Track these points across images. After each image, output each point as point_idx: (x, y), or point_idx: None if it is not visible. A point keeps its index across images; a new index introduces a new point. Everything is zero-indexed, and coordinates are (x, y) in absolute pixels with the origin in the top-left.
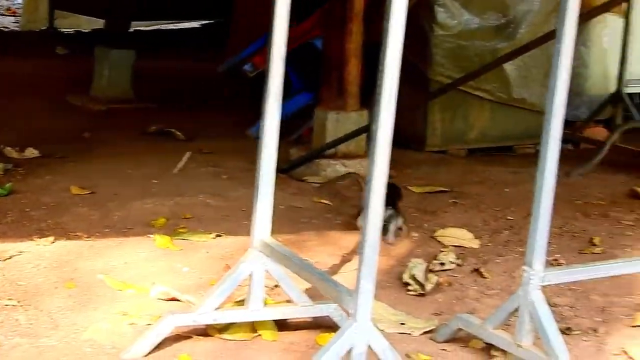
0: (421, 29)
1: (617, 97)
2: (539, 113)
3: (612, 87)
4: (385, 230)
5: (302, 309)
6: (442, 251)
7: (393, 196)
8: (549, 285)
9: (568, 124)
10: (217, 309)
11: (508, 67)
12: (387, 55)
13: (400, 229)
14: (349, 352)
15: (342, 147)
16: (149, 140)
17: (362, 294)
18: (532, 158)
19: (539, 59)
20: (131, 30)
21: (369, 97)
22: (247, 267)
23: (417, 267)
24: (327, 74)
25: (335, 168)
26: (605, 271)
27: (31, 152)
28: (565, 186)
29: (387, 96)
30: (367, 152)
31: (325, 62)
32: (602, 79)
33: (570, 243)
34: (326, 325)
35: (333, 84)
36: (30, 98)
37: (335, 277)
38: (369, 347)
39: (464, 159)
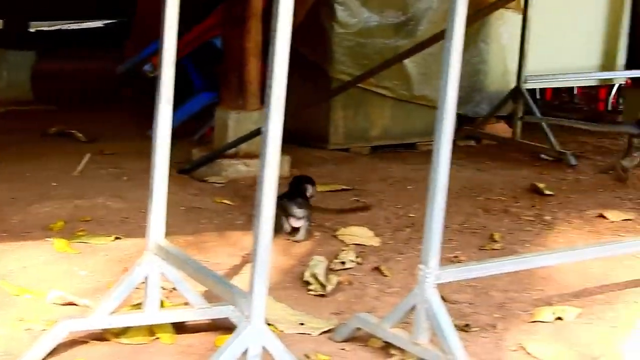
0: (321, 27)
1: (516, 93)
2: None
3: (512, 83)
4: (292, 227)
5: (200, 312)
6: (343, 250)
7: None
8: (448, 282)
9: (469, 120)
10: (112, 313)
11: (409, 64)
12: (276, 54)
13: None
14: (245, 353)
15: (244, 147)
16: (49, 142)
17: (256, 297)
18: None
19: (439, 56)
20: (32, 30)
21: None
22: (142, 270)
23: (318, 266)
24: (226, 73)
25: (237, 168)
26: (498, 268)
27: None
28: (467, 182)
29: (277, 95)
30: None
31: (225, 62)
32: (502, 75)
33: (471, 239)
34: (225, 327)
35: (233, 84)
36: None
37: (235, 278)
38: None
39: (367, 157)
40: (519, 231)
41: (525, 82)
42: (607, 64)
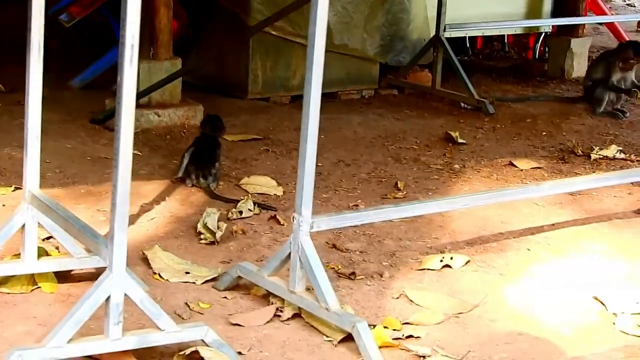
0: None
1: (436, 42)
2: (361, 59)
3: (434, 32)
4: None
5: (78, 261)
6: (241, 199)
7: (218, 128)
8: (343, 231)
9: (392, 69)
10: None
11: (328, 13)
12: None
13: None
14: (108, 300)
15: (156, 97)
16: None
17: (116, 246)
18: (355, 104)
19: (360, 5)
20: None
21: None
22: (18, 219)
23: (210, 217)
24: None
25: (149, 118)
26: (371, 217)
27: None
28: (382, 131)
29: (129, 47)
30: (181, 102)
31: None
32: (424, 24)
33: (376, 188)
34: None
35: (143, 34)
36: None
37: (131, 227)
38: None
39: (286, 106)
40: (425, 180)
41: (445, 31)
42: (533, 12)
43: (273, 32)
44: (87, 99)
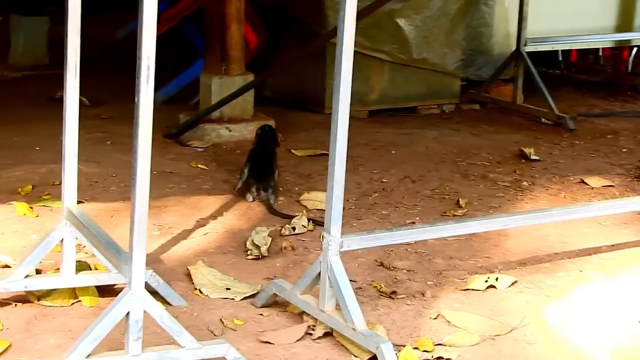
0: None
1: (517, 56)
2: (442, 73)
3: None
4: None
5: (115, 276)
6: (296, 215)
7: (272, 139)
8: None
9: (473, 83)
10: (27, 276)
11: (406, 28)
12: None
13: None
14: (128, 317)
15: (227, 111)
16: (52, 107)
17: (135, 263)
18: (433, 119)
19: (440, 19)
20: None
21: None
22: (57, 234)
23: (259, 235)
24: (209, 39)
25: (220, 132)
26: (405, 236)
27: None
28: (455, 147)
29: (145, 68)
30: (253, 117)
31: (207, 28)
32: (505, 38)
33: (438, 205)
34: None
35: (215, 50)
36: None
37: (182, 242)
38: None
39: (362, 121)
40: (490, 197)
41: (526, 45)
42: (624, 25)
43: None
44: (166, 112)
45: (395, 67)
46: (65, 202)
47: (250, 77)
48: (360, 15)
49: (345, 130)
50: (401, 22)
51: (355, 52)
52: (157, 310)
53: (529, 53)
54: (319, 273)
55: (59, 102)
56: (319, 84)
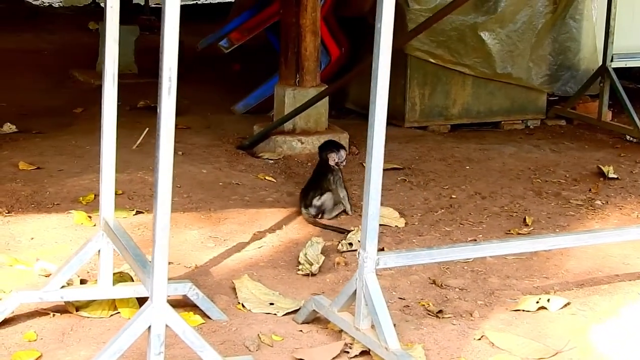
0: (396, 3)
1: (602, 72)
2: (527, 88)
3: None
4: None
5: None
6: (351, 230)
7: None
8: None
9: (562, 99)
10: (63, 286)
11: (490, 41)
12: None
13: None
14: (149, 330)
15: (300, 124)
16: (134, 116)
17: (156, 276)
18: (516, 135)
19: (525, 33)
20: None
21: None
22: (93, 246)
23: (313, 247)
24: (284, 50)
25: (291, 144)
26: (444, 255)
27: (8, 127)
28: (533, 163)
29: (167, 79)
30: (327, 129)
31: (282, 39)
32: (592, 53)
33: (504, 223)
34: (191, 304)
35: (290, 61)
36: (36, 73)
37: (235, 255)
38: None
39: (442, 135)
40: (559, 215)
41: (612, 61)
42: None
43: (432, 60)
44: (244, 123)
45: (479, 82)
46: (102, 213)
47: (324, 89)
48: (426, 25)
49: (381, 144)
50: (485, 35)
51: (436, 65)
52: (179, 324)
53: (615, 69)
54: (355, 290)
55: (140, 112)
56: (400, 97)
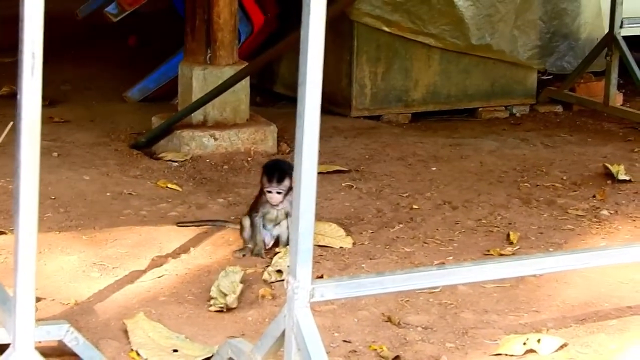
0: None
1: (610, 42)
2: (511, 64)
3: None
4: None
5: None
6: (278, 252)
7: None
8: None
9: (554, 78)
10: None
11: (462, 3)
12: None
13: None
14: None
15: (214, 114)
16: None
17: (20, 317)
18: (497, 125)
19: None
20: None
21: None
22: None
23: (228, 276)
24: (190, 18)
25: (202, 141)
26: (399, 283)
27: None
28: (520, 162)
29: (30, 55)
30: (248, 121)
31: (188, 2)
32: (596, 18)
33: (481, 241)
34: (69, 352)
35: (199, 31)
36: None
37: (127, 287)
38: None
39: (401, 127)
40: (553, 230)
41: (622, 27)
42: None
43: (386, 29)
44: (140, 114)
45: (449, 56)
46: None
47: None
48: None
49: (314, 138)
50: None
51: (392, 35)
52: None
53: (626, 38)
54: (284, 331)
55: (4, 100)
56: (345, 76)
